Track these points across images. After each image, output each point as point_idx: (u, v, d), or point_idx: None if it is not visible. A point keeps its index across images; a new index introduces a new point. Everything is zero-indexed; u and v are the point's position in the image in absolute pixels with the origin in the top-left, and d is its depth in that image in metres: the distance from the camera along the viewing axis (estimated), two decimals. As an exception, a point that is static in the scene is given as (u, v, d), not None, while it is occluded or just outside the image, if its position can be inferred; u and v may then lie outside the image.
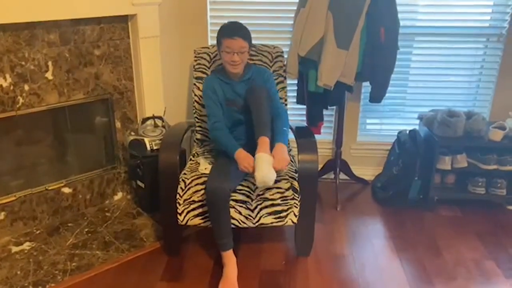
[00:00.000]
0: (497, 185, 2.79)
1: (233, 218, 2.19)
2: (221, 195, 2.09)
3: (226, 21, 2.97)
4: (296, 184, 2.23)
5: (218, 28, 2.98)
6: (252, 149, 2.16)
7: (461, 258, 2.42)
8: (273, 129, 2.21)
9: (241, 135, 2.35)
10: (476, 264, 2.37)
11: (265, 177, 2.02)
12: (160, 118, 2.79)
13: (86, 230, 2.59)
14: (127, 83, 2.78)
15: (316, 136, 2.45)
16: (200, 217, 2.22)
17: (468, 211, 2.87)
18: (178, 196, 2.22)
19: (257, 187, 2.20)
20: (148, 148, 2.63)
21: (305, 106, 2.88)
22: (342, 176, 3.16)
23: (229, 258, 2.19)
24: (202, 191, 2.20)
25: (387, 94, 2.74)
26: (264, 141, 2.11)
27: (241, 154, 2.14)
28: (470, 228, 2.70)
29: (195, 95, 2.67)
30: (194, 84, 2.68)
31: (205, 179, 2.22)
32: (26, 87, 2.38)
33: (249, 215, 2.20)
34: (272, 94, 2.33)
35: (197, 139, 2.72)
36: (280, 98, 2.56)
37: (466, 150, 2.82)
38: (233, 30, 2.26)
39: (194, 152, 2.60)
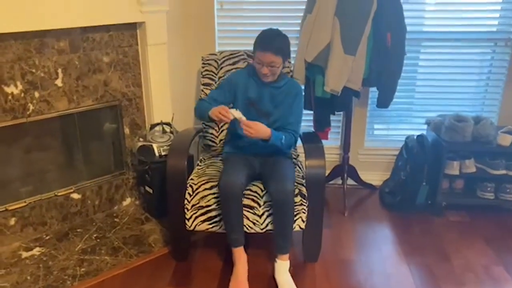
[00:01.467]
0: (506, 190, 2.77)
1: (241, 224, 2.20)
2: (234, 188, 2.10)
3: (234, 28, 3.02)
4: (303, 189, 2.23)
5: (225, 34, 3.04)
6: (264, 158, 2.19)
7: (469, 263, 2.40)
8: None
9: (254, 141, 2.34)
10: (485, 270, 2.35)
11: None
12: (168, 124, 2.81)
13: (95, 235, 2.61)
14: (135, 89, 2.81)
15: (324, 142, 2.46)
16: (208, 222, 2.23)
17: (477, 216, 2.85)
18: (186, 201, 2.23)
19: (265, 192, 2.21)
20: (156, 154, 2.65)
21: (312, 112, 2.89)
22: (350, 181, 3.16)
23: (240, 255, 2.18)
24: (210, 196, 2.21)
25: (394, 99, 2.74)
26: (284, 264, 2.21)
27: (214, 109, 2.16)
28: (478, 233, 2.68)
29: (203, 101, 2.69)
30: (202, 91, 2.70)
31: (213, 183, 2.23)
32: (37, 94, 2.41)
33: (257, 221, 2.21)
34: (294, 112, 2.34)
35: (204, 144, 2.74)
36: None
37: (474, 155, 2.81)
38: (266, 43, 2.19)
39: (201, 157, 2.61)
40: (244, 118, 2.14)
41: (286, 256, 2.21)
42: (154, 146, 2.66)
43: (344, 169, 3.08)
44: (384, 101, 2.74)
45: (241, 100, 2.34)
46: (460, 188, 2.92)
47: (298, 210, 2.20)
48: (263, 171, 2.28)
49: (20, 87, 2.34)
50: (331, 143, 3.18)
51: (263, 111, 2.33)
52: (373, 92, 3.00)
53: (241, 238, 2.19)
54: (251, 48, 2.40)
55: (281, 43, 2.22)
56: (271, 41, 2.20)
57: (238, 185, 2.11)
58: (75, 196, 2.70)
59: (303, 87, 2.83)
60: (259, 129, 2.15)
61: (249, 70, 2.39)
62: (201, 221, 2.23)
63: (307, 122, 3.08)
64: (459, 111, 2.88)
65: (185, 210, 2.24)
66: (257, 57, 2.22)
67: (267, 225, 2.21)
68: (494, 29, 2.96)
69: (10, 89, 2.32)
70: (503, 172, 2.75)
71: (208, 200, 2.21)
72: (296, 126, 2.35)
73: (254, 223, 2.21)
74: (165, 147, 2.65)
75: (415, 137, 2.97)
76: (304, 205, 2.21)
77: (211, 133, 2.70)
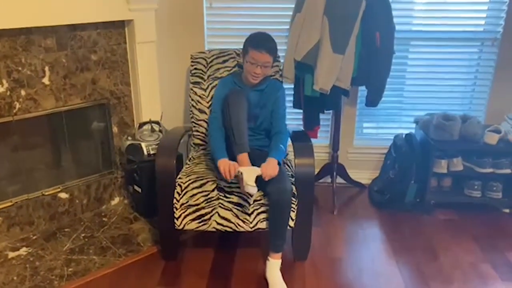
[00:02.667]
0: (493, 188, 2.80)
1: (230, 222, 2.20)
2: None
3: (223, 27, 3.02)
4: (293, 188, 2.23)
5: (214, 33, 3.03)
6: (256, 157, 2.19)
7: (457, 261, 2.42)
8: (269, 146, 2.27)
9: None
10: (473, 267, 2.37)
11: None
12: (157, 122, 2.80)
13: (83, 235, 2.59)
14: (124, 88, 2.79)
15: (313, 140, 2.46)
16: (197, 221, 2.22)
17: (465, 214, 2.88)
18: (175, 200, 2.22)
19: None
20: (145, 152, 2.64)
21: (301, 110, 2.89)
22: (339, 180, 3.17)
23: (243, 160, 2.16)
24: (199, 195, 2.20)
25: (383, 98, 2.76)
26: (276, 263, 2.21)
27: (223, 162, 2.12)
28: (466, 231, 2.71)
29: (192, 99, 2.68)
30: (191, 89, 2.68)
31: (202, 182, 2.23)
32: (23, 92, 2.38)
33: (246, 219, 2.20)
34: (278, 112, 2.37)
35: (194, 143, 2.73)
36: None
37: (462, 154, 2.83)
38: (261, 43, 2.26)
39: (190, 156, 2.60)
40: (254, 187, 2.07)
41: (279, 255, 2.22)
42: (143, 145, 2.65)
43: (333, 167, 3.09)
44: (373, 100, 2.75)
45: None
46: (448, 186, 2.95)
47: (287, 209, 2.20)
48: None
49: (6, 85, 2.31)
50: (321, 142, 3.19)
51: (251, 115, 2.35)
52: (362, 91, 3.02)
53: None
54: (240, 46, 2.40)
55: (274, 44, 2.31)
56: (266, 41, 2.28)
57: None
58: (63, 195, 2.68)
59: (292, 86, 2.84)
60: (272, 166, 2.11)
61: (234, 77, 2.45)
62: (190, 220, 2.22)
63: (296, 121, 3.09)
64: (447, 110, 2.90)
65: (174, 209, 2.23)
66: (251, 57, 2.27)
67: (256, 223, 2.20)
68: (481, 28, 2.99)
69: (-4, 87, 2.29)
70: (490, 170, 2.78)
71: (197, 199, 2.21)
72: (284, 126, 2.37)
73: (243, 222, 2.21)
74: (153, 146, 2.64)
75: (403, 135, 2.99)
76: (294, 204, 2.21)
77: (201, 132, 2.69)
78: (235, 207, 2.20)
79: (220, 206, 2.20)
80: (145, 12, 2.66)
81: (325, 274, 2.31)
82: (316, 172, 3.12)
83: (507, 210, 2.92)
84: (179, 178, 2.28)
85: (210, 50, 2.78)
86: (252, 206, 2.19)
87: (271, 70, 2.37)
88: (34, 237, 2.55)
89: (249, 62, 2.28)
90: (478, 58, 3.05)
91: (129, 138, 2.73)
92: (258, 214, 2.20)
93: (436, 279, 2.27)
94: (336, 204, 2.93)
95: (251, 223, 2.20)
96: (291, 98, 2.91)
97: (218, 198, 2.21)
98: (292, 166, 2.45)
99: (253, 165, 2.20)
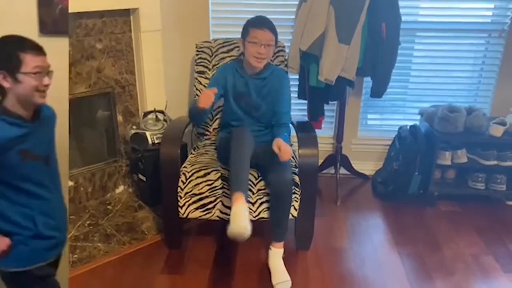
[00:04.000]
0: (497, 181, 2.80)
1: (234, 211, 2.21)
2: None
3: (228, 16, 3.01)
4: (296, 178, 2.23)
5: (219, 22, 3.02)
6: (259, 147, 2.19)
7: (460, 253, 2.43)
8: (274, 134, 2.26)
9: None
10: (475, 259, 2.38)
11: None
12: (161, 112, 2.80)
13: (88, 222, 2.61)
14: (128, 76, 2.79)
15: (317, 131, 2.47)
16: (201, 210, 2.23)
17: (468, 206, 2.88)
18: (179, 189, 2.23)
19: (259, 180, 2.21)
20: (150, 141, 2.65)
21: (306, 101, 2.89)
22: (343, 171, 3.17)
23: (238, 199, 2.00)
24: (203, 184, 2.21)
25: (388, 89, 2.74)
26: (278, 252, 2.21)
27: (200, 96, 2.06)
28: (469, 223, 2.71)
29: (197, 89, 2.68)
30: (196, 78, 2.69)
31: (206, 171, 2.24)
32: (29, 80, 2.39)
33: (250, 208, 2.21)
34: (283, 105, 2.34)
35: (198, 133, 2.73)
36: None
37: (467, 146, 2.82)
38: (262, 21, 2.25)
39: (195, 145, 2.61)
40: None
41: (281, 244, 2.22)
42: (147, 134, 2.66)
43: (337, 158, 3.09)
44: (378, 91, 2.74)
45: (231, 94, 2.36)
46: (452, 178, 2.95)
47: (290, 199, 2.21)
48: (260, 160, 2.27)
49: (11, 72, 2.31)
50: (325, 133, 3.19)
51: (252, 105, 2.34)
52: (367, 82, 3.00)
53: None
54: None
55: (273, 25, 2.28)
56: (266, 21, 2.27)
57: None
58: (68, 183, 2.69)
59: (297, 76, 2.84)
60: (287, 150, 2.07)
61: (234, 65, 2.40)
62: (194, 209, 2.24)
63: (301, 111, 3.09)
64: (452, 102, 2.89)
65: (178, 198, 2.24)
66: (253, 36, 2.22)
67: (260, 213, 2.21)
68: (489, 20, 2.96)
69: (2, 75, 2.29)
70: (494, 162, 2.78)
71: (201, 188, 2.22)
72: (288, 117, 2.36)
73: (247, 211, 2.21)
74: (158, 135, 2.65)
75: (408, 127, 2.98)
76: (297, 194, 2.22)
77: (205, 122, 2.69)
78: (239, 196, 2.20)
79: (223, 195, 2.21)
80: (151, 1, 2.65)
81: (327, 264, 2.32)
82: (320, 163, 3.12)
83: (511, 203, 2.92)
84: (184, 167, 2.29)
85: (215, 39, 2.78)
86: (255, 195, 2.20)
87: (272, 52, 2.31)
88: (40, 224, 2.57)
89: (252, 42, 2.22)
90: (484, 50, 3.03)
91: (134, 127, 2.74)
92: (261, 203, 2.21)
93: (438, 271, 2.28)
94: (339, 195, 2.94)
95: (254, 212, 2.21)
96: (296, 89, 2.90)
97: (222, 188, 2.22)
98: (296, 157, 2.46)
99: (257, 164, 2.21)
